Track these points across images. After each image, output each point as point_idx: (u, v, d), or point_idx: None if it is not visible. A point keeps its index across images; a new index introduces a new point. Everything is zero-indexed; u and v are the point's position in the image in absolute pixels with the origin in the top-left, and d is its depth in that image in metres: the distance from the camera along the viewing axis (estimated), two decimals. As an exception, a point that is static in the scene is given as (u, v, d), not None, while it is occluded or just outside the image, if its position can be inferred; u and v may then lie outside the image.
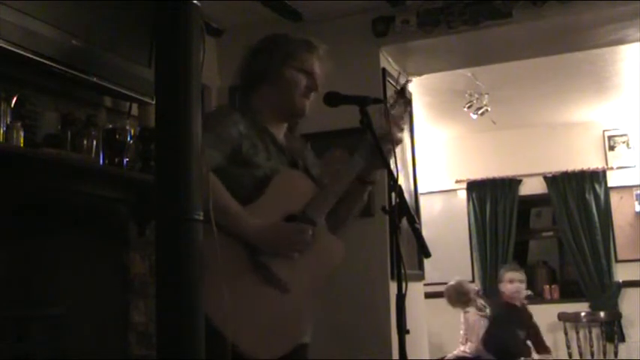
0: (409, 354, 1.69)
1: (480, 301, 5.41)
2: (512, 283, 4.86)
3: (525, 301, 5.00)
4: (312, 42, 2.08)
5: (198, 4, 1.52)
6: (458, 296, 5.25)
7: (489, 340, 4.87)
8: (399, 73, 3.99)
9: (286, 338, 1.88)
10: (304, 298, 1.91)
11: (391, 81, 3.97)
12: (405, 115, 2.13)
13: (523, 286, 4.91)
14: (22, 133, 2.54)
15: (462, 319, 5.25)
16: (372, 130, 1.91)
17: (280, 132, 2.10)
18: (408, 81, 2.20)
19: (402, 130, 2.10)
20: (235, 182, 1.89)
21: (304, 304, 1.92)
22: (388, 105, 2.01)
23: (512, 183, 6.72)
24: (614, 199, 6.40)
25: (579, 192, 6.44)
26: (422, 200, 4.62)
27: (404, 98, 2.09)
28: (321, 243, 1.93)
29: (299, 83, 2.03)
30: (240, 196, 1.88)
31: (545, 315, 5.14)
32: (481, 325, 5.12)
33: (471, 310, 5.18)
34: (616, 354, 5.98)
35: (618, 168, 6.45)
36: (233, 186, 1.87)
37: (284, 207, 1.91)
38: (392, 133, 1.95)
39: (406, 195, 2.04)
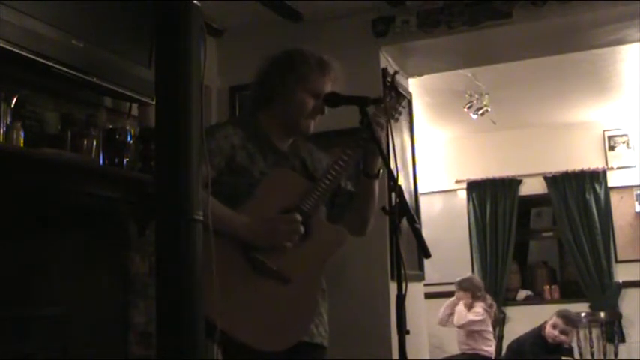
0: (409, 354, 1.70)
1: (489, 298, 5.40)
2: (554, 329, 4.65)
3: (566, 345, 4.78)
4: (327, 62, 2.08)
5: (198, 4, 1.52)
6: (473, 288, 5.21)
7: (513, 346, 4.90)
8: (386, 68, 3.97)
9: (294, 327, 1.91)
10: (307, 286, 1.95)
11: (388, 78, 3.96)
12: (398, 107, 2.14)
13: (563, 337, 4.66)
14: (22, 133, 2.54)
15: (462, 308, 5.22)
16: (372, 129, 1.94)
17: (284, 143, 2.12)
18: (396, 72, 2.21)
19: (393, 116, 2.12)
20: (232, 190, 1.95)
21: (308, 293, 1.95)
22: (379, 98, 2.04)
23: (512, 183, 6.71)
24: (614, 199, 6.40)
25: (579, 192, 6.44)
26: (422, 200, 4.62)
27: (394, 91, 2.11)
28: (319, 233, 1.97)
29: (307, 106, 2.05)
30: (238, 202, 1.93)
31: (545, 315, 5.12)
32: (486, 322, 5.14)
33: (479, 304, 5.18)
34: (616, 354, 5.98)
35: (618, 168, 6.45)
36: (230, 194, 1.93)
37: (276, 204, 1.95)
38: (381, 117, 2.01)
39: (406, 195, 2.04)
